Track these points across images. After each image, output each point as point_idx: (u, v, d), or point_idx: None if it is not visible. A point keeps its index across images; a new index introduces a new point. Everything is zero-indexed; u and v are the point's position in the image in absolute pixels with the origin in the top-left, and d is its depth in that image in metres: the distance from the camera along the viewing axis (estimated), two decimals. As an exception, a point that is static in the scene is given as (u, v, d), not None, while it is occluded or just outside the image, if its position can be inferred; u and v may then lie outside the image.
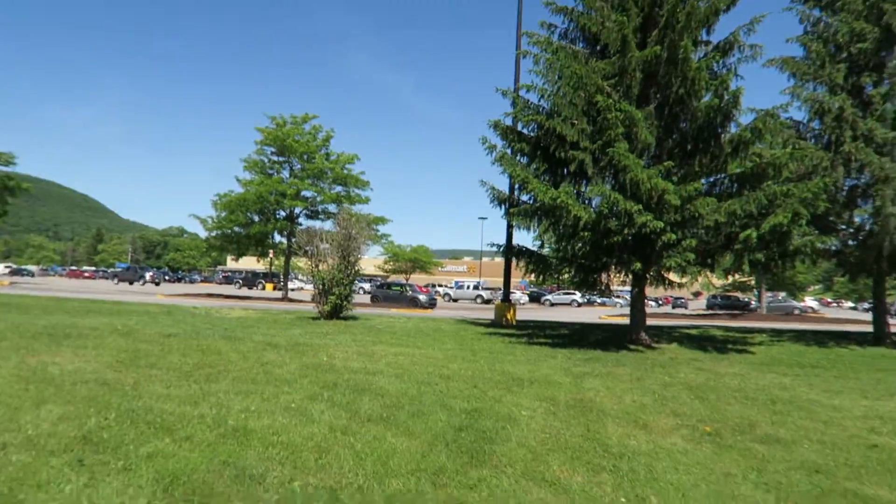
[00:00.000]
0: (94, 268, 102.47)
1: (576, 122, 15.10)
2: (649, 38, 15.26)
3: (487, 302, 54.23)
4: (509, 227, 19.87)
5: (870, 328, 22.42)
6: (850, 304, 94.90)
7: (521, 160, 16.98)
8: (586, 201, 15.62)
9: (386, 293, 39.29)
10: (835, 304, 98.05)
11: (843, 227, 18.93)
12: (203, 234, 37.56)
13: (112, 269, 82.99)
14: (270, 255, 42.89)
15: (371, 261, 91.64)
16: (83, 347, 10.17)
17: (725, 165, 14.98)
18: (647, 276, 15.17)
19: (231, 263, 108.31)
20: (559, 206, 13.59)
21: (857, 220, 18.60)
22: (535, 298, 63.88)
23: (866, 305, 72.68)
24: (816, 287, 67.09)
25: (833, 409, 8.34)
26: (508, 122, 17.18)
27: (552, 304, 58.63)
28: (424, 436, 5.99)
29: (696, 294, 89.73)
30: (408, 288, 40.03)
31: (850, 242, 18.79)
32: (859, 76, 18.13)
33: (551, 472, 5.19)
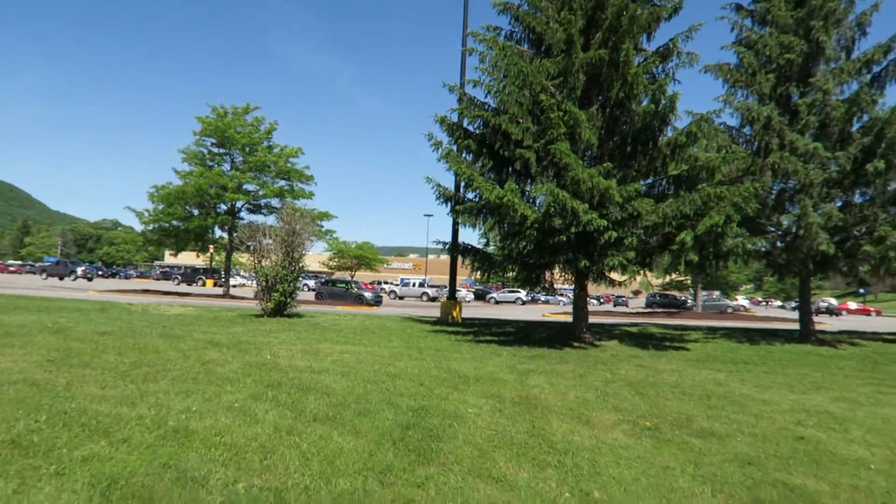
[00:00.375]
0: (20, 262, 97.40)
1: (521, 120, 15.30)
2: (592, 40, 15.61)
3: (433, 300, 54.34)
4: (455, 225, 19.95)
5: (797, 326, 23.58)
6: (779, 303, 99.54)
7: (467, 157, 17.07)
8: (531, 200, 15.85)
9: (331, 290, 38.86)
10: (765, 303, 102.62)
11: (772, 229, 19.80)
12: (139, 227, 36.24)
13: (40, 264, 78.94)
14: (211, 251, 41.70)
15: (316, 257, 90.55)
16: (9, 346, 9.67)
17: (664, 167, 15.46)
18: (590, 274, 15.52)
19: (169, 259, 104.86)
20: (505, 205, 13.75)
21: (784, 223, 19.47)
22: (480, 296, 64.36)
23: (794, 304, 76.42)
24: (748, 286, 70.24)
25: (763, 403, 8.74)
26: (455, 118, 17.27)
27: (497, 302, 59.21)
28: (371, 434, 5.96)
29: (636, 293, 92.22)
30: (353, 285, 39.69)
31: (779, 244, 19.66)
32: (787, 86, 18.98)
33: (498, 469, 5.26)
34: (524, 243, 15.46)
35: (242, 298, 33.12)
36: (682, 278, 49.24)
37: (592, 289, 18.14)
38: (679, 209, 14.09)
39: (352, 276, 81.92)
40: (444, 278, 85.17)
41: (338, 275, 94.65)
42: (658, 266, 15.44)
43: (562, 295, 62.82)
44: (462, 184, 16.48)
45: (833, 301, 71.70)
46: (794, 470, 5.70)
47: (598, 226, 13.31)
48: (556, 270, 17.05)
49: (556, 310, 45.78)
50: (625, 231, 14.51)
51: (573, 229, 13.80)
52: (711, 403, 8.47)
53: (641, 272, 15.41)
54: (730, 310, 53.68)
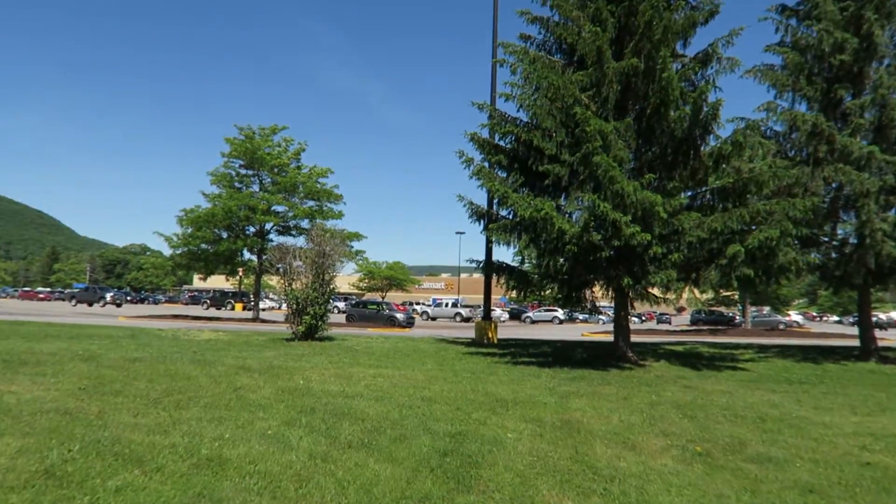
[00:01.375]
0: (49, 289, 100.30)
1: (554, 133, 15.30)
2: (626, 49, 15.56)
3: (467, 320, 54.26)
4: (489, 243, 19.97)
5: (856, 342, 22.86)
6: (836, 317, 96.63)
7: (500, 173, 17.13)
8: (566, 215, 15.80)
9: (362, 312, 39.12)
10: (820, 318, 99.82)
11: (826, 239, 19.29)
12: (167, 251, 37.11)
13: (69, 290, 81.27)
14: (240, 274, 42.42)
15: (346, 279, 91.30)
16: (42, 375, 9.94)
17: (706, 179, 15.25)
18: (633, 291, 15.35)
19: (198, 282, 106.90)
20: (542, 220, 13.71)
21: (839, 233, 18.96)
22: (515, 316, 64.05)
23: (852, 319, 74.10)
24: (801, 301, 68.30)
25: (824, 426, 8.48)
26: (485, 134, 17.37)
27: (533, 322, 58.84)
28: (408, 461, 5.95)
29: (680, 309, 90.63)
30: (384, 306, 39.92)
31: (833, 255, 19.12)
32: (836, 88, 18.57)
33: (541, 497, 5.19)
34: (562, 260, 15.40)
35: (272, 322, 33.54)
36: (730, 293, 48.23)
37: (633, 306, 17.93)
38: (726, 224, 13.87)
39: (383, 297, 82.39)
40: (478, 298, 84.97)
41: (368, 296, 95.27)
42: (705, 282, 15.18)
43: (600, 313, 62.35)
44: (495, 200, 16.52)
45: None
46: (861, 499, 5.50)
47: (641, 240, 13.17)
48: (597, 288, 16.92)
49: (595, 329, 45.26)
50: (669, 246, 14.34)
51: (614, 243, 13.67)
52: (766, 427, 8.25)
53: (686, 288, 15.17)
54: (782, 326, 52.35)
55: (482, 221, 17.77)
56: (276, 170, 34.42)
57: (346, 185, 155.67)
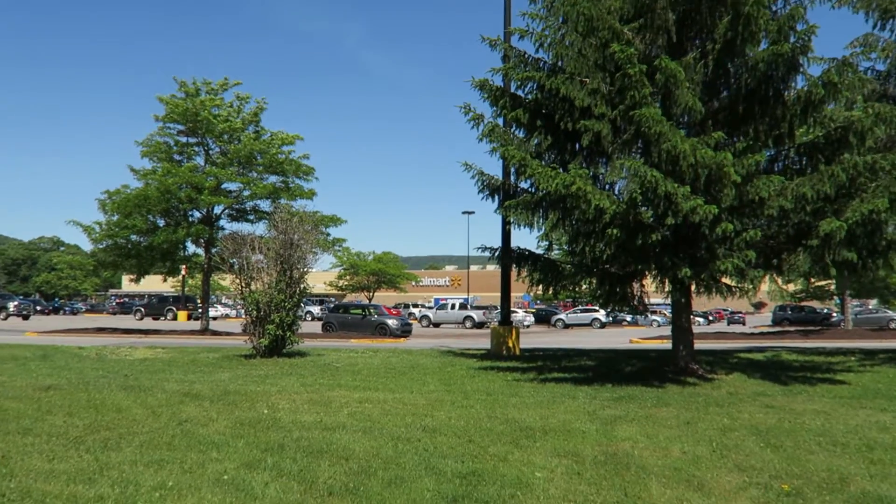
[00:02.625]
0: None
1: (587, 80, 15.20)
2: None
3: (480, 325, 54.37)
4: (506, 225, 19.96)
5: None
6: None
7: (518, 134, 17.05)
8: (606, 187, 15.74)
9: (343, 319, 39.24)
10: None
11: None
12: (87, 246, 37.21)
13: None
14: (183, 273, 42.49)
15: (321, 275, 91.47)
16: (-71, 409, 9.97)
17: (791, 133, 15.15)
18: (695, 283, 15.30)
19: (129, 286, 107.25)
20: (573, 195, 13.66)
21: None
22: (543, 318, 64.15)
23: None
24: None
25: (948, 453, 8.46)
26: (498, 81, 17.28)
27: (567, 326, 58.90)
28: (406, 512, 5.96)
29: (759, 306, 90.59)
30: (372, 310, 39.99)
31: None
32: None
33: (580, 555, 5.20)
34: (601, 246, 15.35)
35: (227, 334, 33.63)
36: (825, 283, 48.07)
37: (698, 303, 17.90)
38: (817, 189, 13.75)
39: (369, 299, 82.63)
40: (493, 297, 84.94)
41: (351, 298, 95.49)
42: (791, 269, 15.10)
43: (654, 313, 62.21)
44: (512, 170, 16.47)
45: None
46: None
47: (705, 215, 13.07)
48: (648, 280, 16.89)
49: (647, 333, 45.30)
50: (743, 222, 14.26)
51: (669, 221, 13.61)
52: (875, 457, 8.24)
53: (767, 277, 15.14)
54: (893, 324, 52.31)
55: (496, 197, 17.72)
56: (226, 136, 34.44)
57: (319, 155, 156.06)
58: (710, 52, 15.17)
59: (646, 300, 17.61)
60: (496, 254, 18.77)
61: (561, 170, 14.54)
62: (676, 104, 14.10)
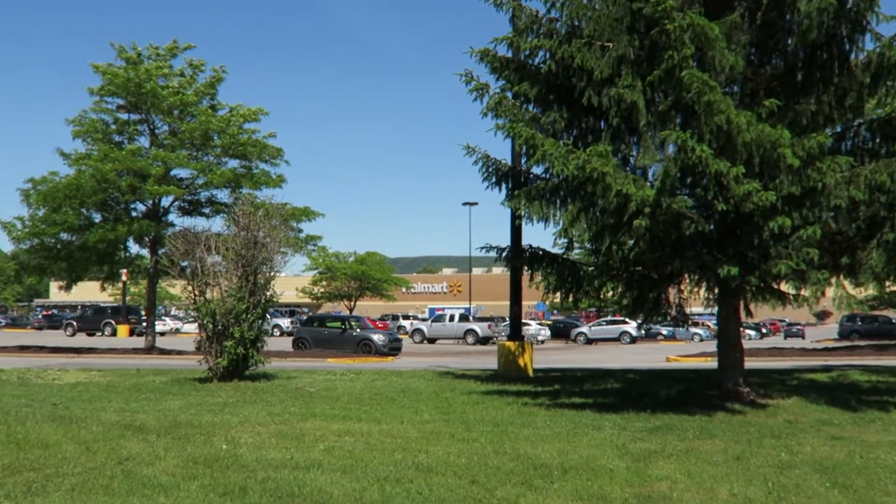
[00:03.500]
0: None
1: (610, 44, 15.11)
2: None
3: (485, 341, 54.31)
4: (515, 219, 19.87)
5: None
6: None
7: (528, 108, 16.97)
8: (636, 172, 15.66)
9: (318, 333, 39.17)
10: None
11: None
12: (8, 247, 37.08)
13: None
14: (124, 279, 42.38)
15: (292, 281, 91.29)
16: None
17: (860, 106, 15.07)
18: (746, 288, 15.20)
19: (58, 294, 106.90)
20: (593, 180, 13.59)
21: None
22: (561, 332, 64.15)
23: None
24: None
25: None
26: (504, 50, 17.22)
27: (589, 340, 58.87)
28: (395, 570, 5.92)
29: (822, 316, 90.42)
30: (353, 323, 39.93)
31: None
32: None
33: None
34: (630, 242, 15.28)
35: (178, 353, 33.53)
36: (899, 288, 48.08)
37: (749, 312, 17.84)
38: (894, 175, 13.65)
39: (350, 310, 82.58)
40: (501, 306, 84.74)
41: (328, 308, 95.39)
42: (863, 270, 15.04)
43: (695, 325, 62.20)
44: (522, 151, 16.43)
45: None
46: None
47: (759, 204, 13.00)
48: (687, 284, 16.85)
49: (686, 350, 45.22)
50: (802, 213, 14.17)
51: (719, 207, 13.52)
52: (964, 498, 8.19)
53: (833, 281, 15.07)
54: None
55: (504, 185, 17.66)
56: (176, 112, 34.32)
57: (288, 136, 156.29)
58: (758, 10, 15.11)
59: (685, 309, 17.56)
60: (504, 254, 18.65)
61: (582, 151, 14.45)
62: (717, 68, 13.98)
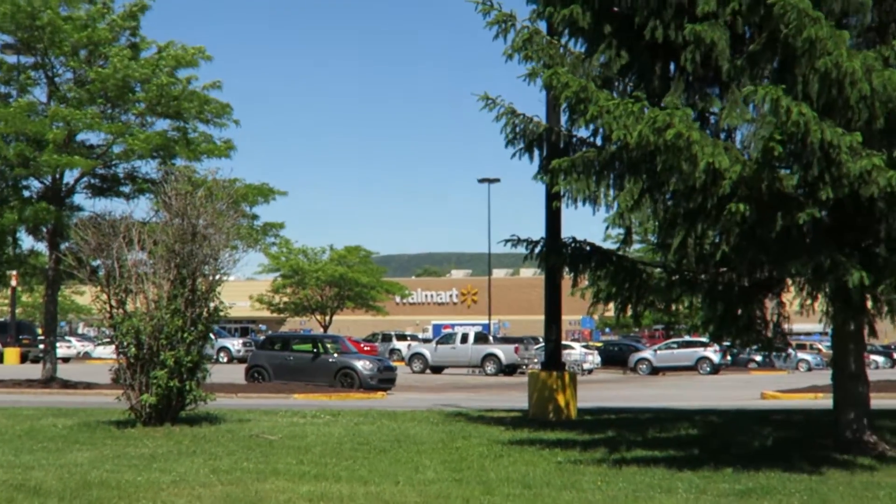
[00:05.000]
0: None
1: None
2: None
3: (510, 370, 54.32)
4: (552, 200, 19.80)
5: None
6: None
7: (571, 47, 16.95)
8: (722, 136, 15.62)
9: (280, 360, 39.06)
10: None
11: None
12: None
13: None
14: (13, 283, 42.50)
15: (244, 287, 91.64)
16: None
17: None
18: (881, 299, 15.12)
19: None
20: (670, 148, 13.52)
21: None
22: (615, 358, 64.02)
23: None
24: None
25: None
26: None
27: (655, 370, 58.79)
28: None
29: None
30: (329, 346, 39.88)
31: None
32: None
33: None
34: (714, 234, 15.23)
35: (87, 386, 33.61)
36: None
37: (873, 331, 17.73)
38: None
39: (325, 327, 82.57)
40: (531, 321, 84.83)
41: (294, 325, 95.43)
42: None
43: (800, 348, 62.13)
44: (563, 106, 16.37)
45: None
46: None
47: (885, 187, 12.95)
48: (790, 293, 16.79)
49: (788, 382, 45.16)
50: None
51: (823, 195, 13.49)
52: None
53: None
54: None
55: (536, 152, 17.64)
56: (84, 54, 34.29)
57: (239, 86, 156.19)
58: None
59: (785, 327, 17.45)
60: (537, 249, 18.61)
61: (646, 107, 14.38)
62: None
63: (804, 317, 17.20)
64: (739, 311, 16.41)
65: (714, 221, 14.42)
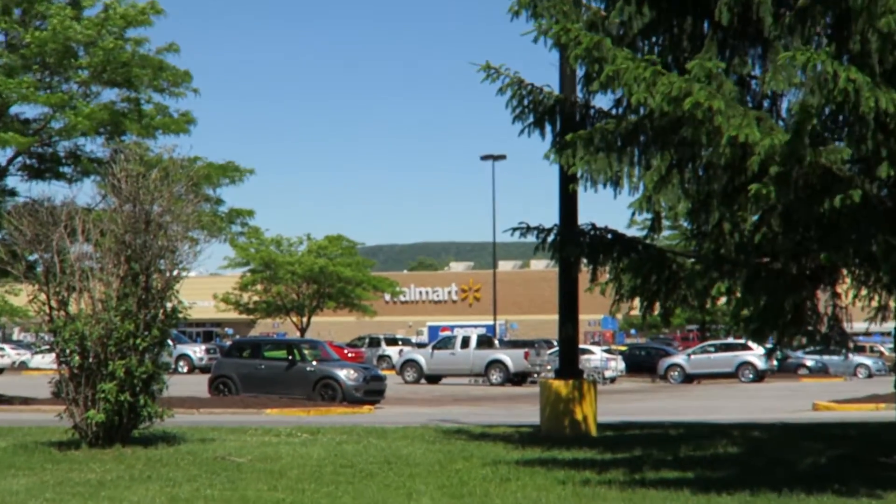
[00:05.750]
0: None
1: None
2: None
3: (519, 379, 54.39)
4: (567, 182, 19.86)
5: None
6: None
7: (593, 4, 16.99)
8: (766, 105, 15.66)
9: (250, 369, 39.05)
10: None
11: None
12: None
13: None
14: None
15: (207, 284, 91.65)
16: None
17: None
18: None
19: None
20: (693, 119, 13.55)
21: None
22: (642, 364, 64.06)
23: None
24: None
25: None
26: None
27: (688, 378, 58.81)
28: None
29: None
30: (307, 352, 39.89)
31: None
32: None
33: None
34: (750, 217, 15.27)
35: (24, 402, 33.62)
36: None
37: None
38: None
39: (302, 331, 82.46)
40: (543, 321, 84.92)
41: (265, 328, 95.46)
42: None
43: (859, 350, 62.09)
44: (579, 71, 16.42)
45: None
46: None
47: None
48: (845, 285, 16.82)
49: (845, 390, 45.21)
50: None
51: (882, 172, 13.56)
52: None
53: None
54: None
55: (548, 127, 17.67)
56: (19, 14, 34.25)
57: (200, 50, 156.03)
58: None
59: (843, 324, 17.46)
60: (550, 238, 18.61)
61: (673, 69, 14.43)
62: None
63: (863, 312, 17.14)
64: (786, 304, 16.34)
65: (751, 202, 14.46)
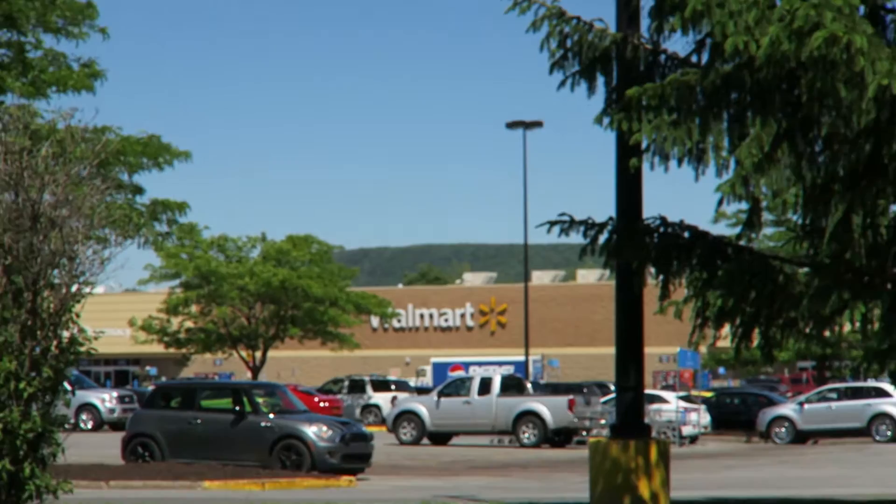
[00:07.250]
0: None
1: None
2: None
3: (561, 438, 54.53)
4: (625, 156, 19.73)
5: None
6: None
7: None
8: None
9: (181, 423, 39.18)
10: None
11: None
12: None
13: None
14: None
15: (121, 304, 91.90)
16: None
17: None
18: None
19: None
20: (819, 63, 13.46)
21: None
22: (735, 416, 64.22)
23: None
24: None
25: None
26: None
27: (800, 436, 58.83)
28: None
29: None
30: (263, 401, 39.94)
31: None
32: None
33: None
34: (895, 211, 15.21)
35: None
36: None
37: None
38: None
39: (254, 369, 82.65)
40: (595, 355, 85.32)
41: (202, 367, 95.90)
42: None
43: None
44: (645, 5, 16.40)
45: None
46: None
47: None
48: None
49: None
50: None
51: None
52: None
53: None
54: None
55: (600, 79, 17.65)
56: None
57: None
58: None
59: None
60: (603, 236, 18.56)
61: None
62: None
63: None
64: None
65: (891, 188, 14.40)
